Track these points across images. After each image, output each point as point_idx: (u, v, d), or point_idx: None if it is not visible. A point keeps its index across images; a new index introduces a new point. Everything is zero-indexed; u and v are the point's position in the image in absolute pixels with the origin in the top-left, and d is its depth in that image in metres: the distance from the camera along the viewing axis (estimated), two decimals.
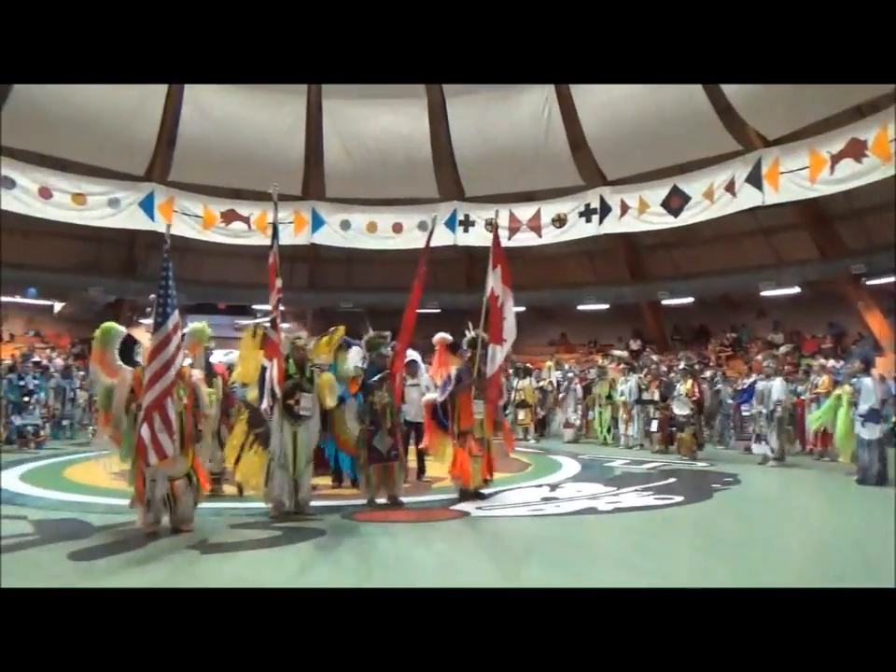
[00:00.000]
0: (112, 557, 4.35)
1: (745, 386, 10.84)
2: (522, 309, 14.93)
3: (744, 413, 10.96)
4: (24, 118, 15.66)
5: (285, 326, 6.17)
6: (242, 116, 17.96)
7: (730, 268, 18.35)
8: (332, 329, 6.21)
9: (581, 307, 21.31)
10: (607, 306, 20.96)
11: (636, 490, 7.03)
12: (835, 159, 14.04)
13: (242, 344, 5.93)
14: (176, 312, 4.91)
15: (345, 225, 20.29)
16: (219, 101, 17.66)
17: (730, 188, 16.22)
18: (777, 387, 9.51)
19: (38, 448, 10.97)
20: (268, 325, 5.64)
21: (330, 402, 5.93)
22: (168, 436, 4.75)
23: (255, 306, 23.32)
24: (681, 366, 10.57)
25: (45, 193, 16.63)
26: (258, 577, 3.97)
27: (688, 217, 17.08)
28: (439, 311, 19.49)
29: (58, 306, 20.42)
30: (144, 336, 5.61)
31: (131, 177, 18.30)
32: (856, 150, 13.62)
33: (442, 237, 20.29)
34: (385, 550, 4.72)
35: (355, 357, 6.36)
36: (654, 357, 13.56)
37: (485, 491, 6.59)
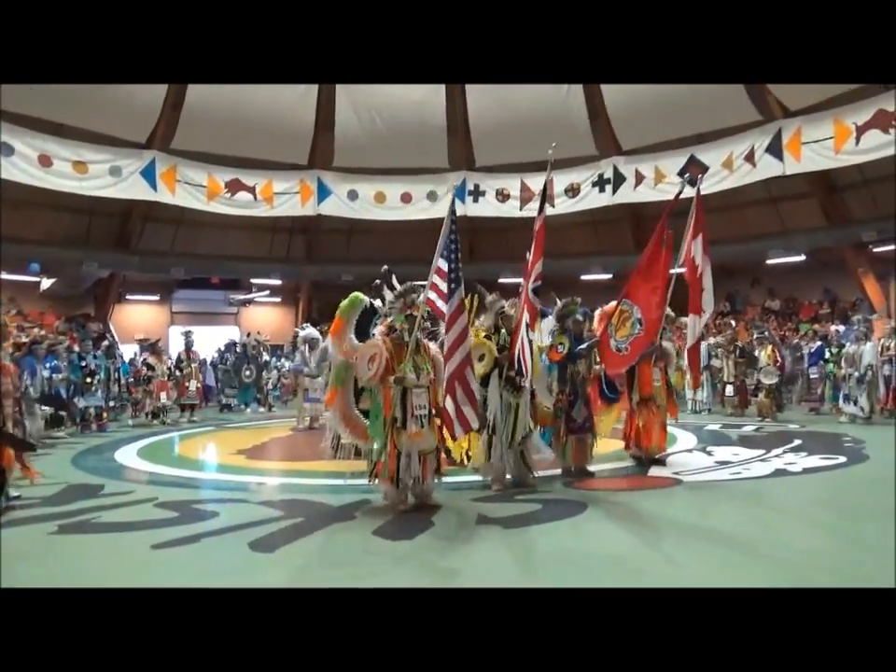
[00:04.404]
0: (422, 537, 4.16)
1: (812, 350, 11.28)
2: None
3: (812, 377, 11.40)
4: None
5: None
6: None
7: (733, 236, 18.86)
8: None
9: (584, 276, 21.51)
10: (609, 276, 21.21)
11: (787, 451, 7.24)
12: (861, 129, 14.51)
13: None
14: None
15: (353, 195, 19.74)
16: None
17: (749, 157, 16.62)
18: (868, 351, 9.92)
19: (102, 431, 10.33)
20: (531, 293, 5.42)
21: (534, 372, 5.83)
22: (472, 408, 4.55)
23: (253, 280, 22.53)
24: (757, 335, 10.89)
25: (45, 161, 15.42)
26: (585, 547, 3.92)
27: (706, 188, 17.34)
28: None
29: (46, 283, 19.07)
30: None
31: (132, 144, 17.17)
32: (883, 121, 14.10)
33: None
34: (684, 517, 4.62)
35: (546, 328, 6.23)
36: (733, 324, 13.86)
37: (658, 457, 6.66)
